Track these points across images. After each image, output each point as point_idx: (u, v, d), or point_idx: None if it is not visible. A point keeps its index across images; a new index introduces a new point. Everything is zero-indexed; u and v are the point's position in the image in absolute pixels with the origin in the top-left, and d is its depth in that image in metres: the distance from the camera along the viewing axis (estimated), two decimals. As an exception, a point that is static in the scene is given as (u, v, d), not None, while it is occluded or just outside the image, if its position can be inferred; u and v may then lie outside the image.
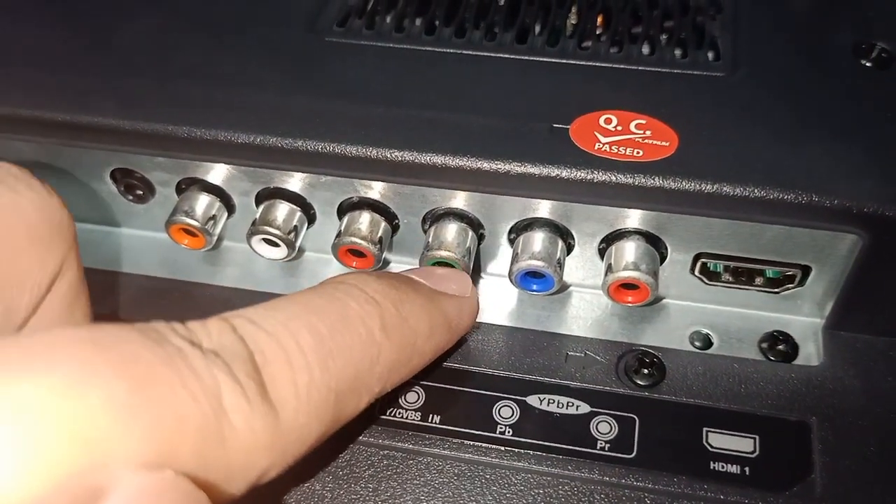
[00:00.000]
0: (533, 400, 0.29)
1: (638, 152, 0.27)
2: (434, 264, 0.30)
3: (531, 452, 0.27)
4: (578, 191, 0.27)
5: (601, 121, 0.28)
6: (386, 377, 0.24)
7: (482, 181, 0.28)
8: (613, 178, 0.27)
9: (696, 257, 0.29)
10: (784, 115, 0.29)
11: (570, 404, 0.28)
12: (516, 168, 0.27)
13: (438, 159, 0.27)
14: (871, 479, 0.26)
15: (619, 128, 0.28)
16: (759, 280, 0.30)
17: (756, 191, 0.26)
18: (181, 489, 0.17)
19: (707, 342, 0.31)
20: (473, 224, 0.30)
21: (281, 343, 0.21)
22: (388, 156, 0.28)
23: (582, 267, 0.31)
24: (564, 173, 0.27)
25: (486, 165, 0.27)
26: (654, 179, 0.26)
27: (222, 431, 0.18)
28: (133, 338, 0.18)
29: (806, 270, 0.29)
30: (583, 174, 0.27)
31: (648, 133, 0.28)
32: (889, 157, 0.27)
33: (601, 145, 0.27)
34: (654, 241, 0.29)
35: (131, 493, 0.16)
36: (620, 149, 0.27)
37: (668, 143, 0.27)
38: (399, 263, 0.33)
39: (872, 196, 0.26)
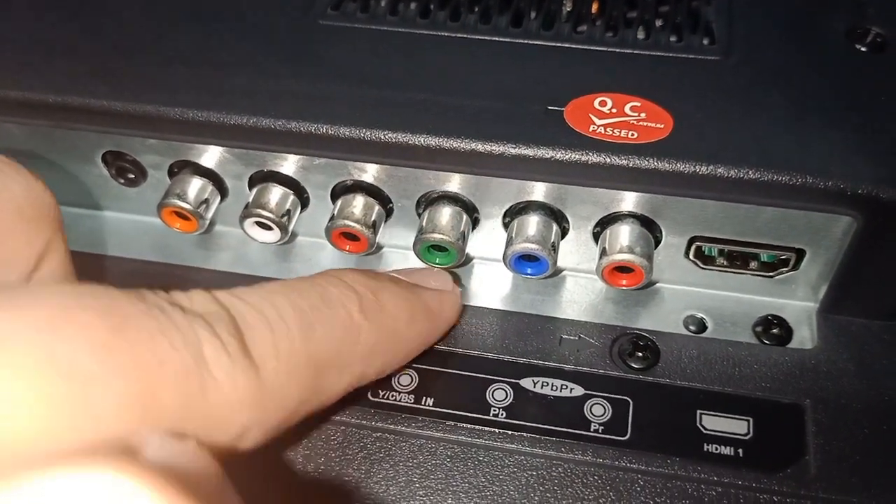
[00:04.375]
0: (527, 383, 0.28)
1: (633, 134, 0.27)
2: (428, 248, 0.30)
3: (525, 435, 0.27)
4: (573, 172, 0.27)
5: (596, 103, 0.28)
6: (368, 359, 0.25)
7: (476, 163, 0.28)
8: (608, 159, 0.26)
9: (691, 241, 0.29)
10: (779, 98, 0.29)
11: (564, 387, 0.28)
12: (510, 150, 0.27)
13: (432, 141, 0.27)
14: (864, 461, 0.26)
15: (614, 110, 0.28)
16: (753, 264, 0.30)
17: (750, 172, 0.26)
18: (201, 459, 0.17)
19: (701, 326, 0.31)
20: (468, 208, 0.30)
21: (263, 312, 0.21)
22: (382, 137, 0.28)
23: (577, 251, 0.31)
24: (559, 155, 0.27)
25: (480, 147, 0.27)
26: (648, 161, 0.26)
27: (203, 381, 0.18)
28: (115, 293, 0.19)
29: (800, 254, 0.29)
30: (577, 156, 0.27)
31: (643, 115, 0.28)
32: (883, 139, 0.27)
33: (596, 127, 0.27)
34: (648, 225, 0.29)
35: (157, 458, 0.16)
36: (615, 131, 0.27)
37: (662, 126, 0.27)
38: (392, 249, 0.33)
39: (866, 178, 0.26)
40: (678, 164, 0.26)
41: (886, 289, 0.28)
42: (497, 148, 0.27)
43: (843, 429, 0.27)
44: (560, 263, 0.31)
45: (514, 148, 0.27)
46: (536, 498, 0.26)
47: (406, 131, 0.28)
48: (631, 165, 0.26)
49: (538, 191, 0.29)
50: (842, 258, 0.28)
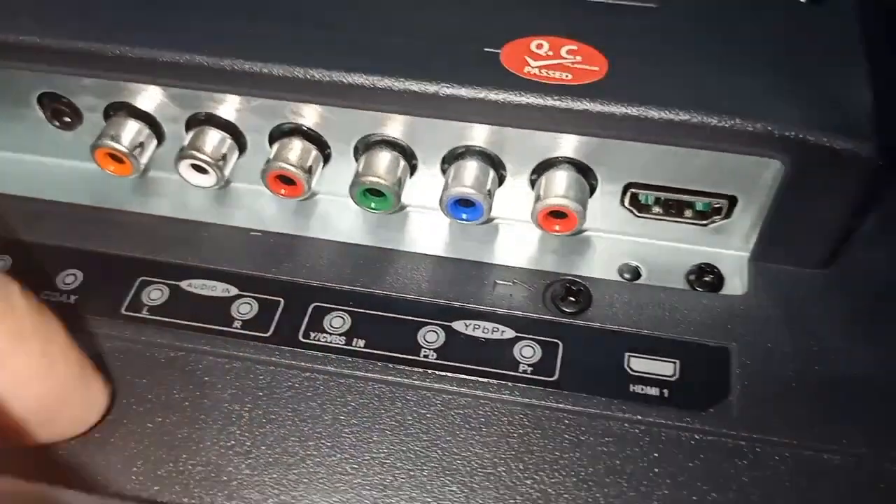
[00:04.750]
0: (459, 325, 0.29)
1: (567, 76, 0.27)
2: (364, 192, 0.30)
3: (454, 375, 0.27)
4: (506, 114, 0.27)
5: (532, 46, 0.28)
6: None
7: (410, 103, 0.27)
8: (541, 100, 0.26)
9: (626, 187, 0.29)
10: (714, 44, 0.29)
11: (496, 329, 0.28)
12: (444, 89, 0.27)
13: (366, 79, 0.27)
14: (785, 403, 0.27)
15: (550, 53, 0.28)
16: (688, 212, 0.30)
17: (681, 114, 0.26)
18: None
19: (636, 274, 0.31)
20: (406, 153, 0.30)
21: None
22: (315, 76, 0.27)
23: (515, 200, 0.31)
24: (491, 95, 0.27)
25: (413, 86, 0.27)
26: (581, 102, 0.26)
27: None
28: None
29: (732, 201, 0.29)
30: (510, 96, 0.26)
31: (579, 58, 0.28)
32: (814, 86, 0.27)
33: (531, 69, 0.27)
34: (583, 171, 0.29)
35: None
36: (550, 72, 0.27)
37: (597, 68, 0.27)
38: (329, 195, 0.32)
39: (795, 122, 0.26)
40: (610, 106, 0.26)
41: (814, 236, 0.29)
42: (430, 87, 0.27)
43: (766, 372, 0.27)
44: (499, 212, 0.31)
45: (448, 88, 0.27)
46: (462, 435, 0.26)
47: (341, 70, 0.27)
48: (563, 106, 0.26)
49: (476, 136, 0.29)
50: (771, 205, 0.28)
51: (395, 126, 0.29)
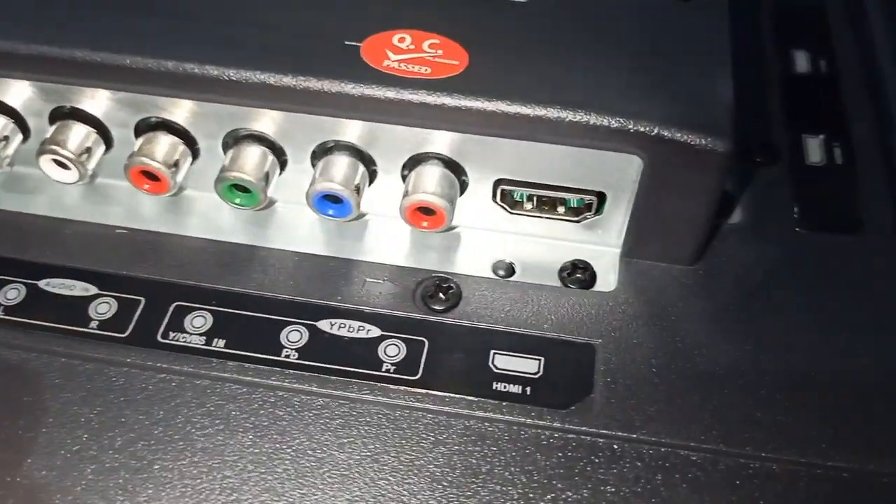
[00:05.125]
0: (324, 324, 0.28)
1: (425, 69, 0.27)
2: (230, 188, 0.29)
3: (314, 375, 0.27)
4: (364, 108, 0.26)
5: (394, 39, 0.28)
6: None
7: (268, 96, 0.27)
8: (396, 94, 0.26)
9: (496, 184, 0.29)
10: (579, 40, 0.29)
11: (361, 328, 0.28)
12: (299, 82, 0.26)
13: (220, 71, 0.26)
14: (647, 400, 0.27)
15: (412, 47, 0.27)
16: (560, 209, 0.30)
17: (536, 109, 0.26)
18: None
19: (510, 271, 0.31)
20: (275, 149, 0.29)
21: None
22: (168, 67, 0.27)
23: (387, 196, 0.30)
24: (347, 88, 0.26)
25: (268, 78, 0.26)
26: (436, 96, 0.26)
27: None
28: None
29: (602, 197, 0.29)
30: (366, 90, 0.26)
31: (440, 52, 0.27)
32: (676, 82, 0.27)
33: (390, 62, 0.27)
34: (453, 167, 0.29)
35: None
36: (408, 66, 0.27)
37: (457, 62, 0.27)
38: (201, 192, 0.31)
39: (651, 117, 0.26)
40: (465, 100, 0.26)
41: (679, 232, 0.29)
42: (285, 80, 0.26)
43: (629, 369, 0.27)
44: (374, 209, 0.31)
45: (304, 80, 0.26)
46: (317, 437, 0.25)
47: (194, 61, 0.27)
48: (418, 100, 0.26)
49: (345, 131, 0.29)
50: (635, 201, 0.28)
51: (263, 121, 0.29)
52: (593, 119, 0.26)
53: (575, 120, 0.26)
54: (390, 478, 0.25)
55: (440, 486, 0.25)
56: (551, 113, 0.26)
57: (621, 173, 0.28)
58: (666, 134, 0.26)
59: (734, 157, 0.26)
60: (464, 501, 0.24)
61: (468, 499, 0.24)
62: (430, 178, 0.28)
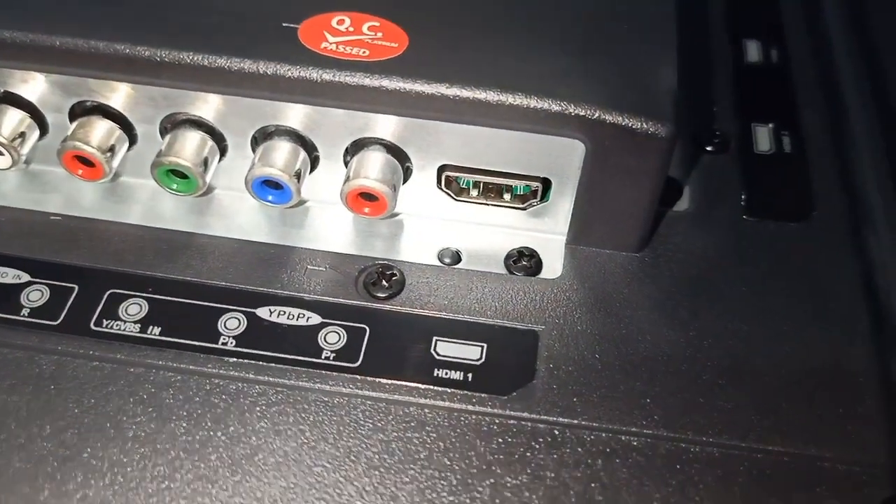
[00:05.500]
0: (263, 312, 0.28)
1: (364, 52, 0.26)
2: (167, 173, 0.29)
3: (251, 362, 0.26)
4: (302, 90, 0.26)
5: (333, 22, 0.27)
6: None
7: (203, 78, 0.26)
8: (333, 76, 0.26)
9: (441, 170, 0.29)
10: (523, 23, 0.28)
11: (301, 316, 0.27)
12: (236, 64, 0.26)
13: (154, 53, 0.26)
14: (589, 386, 0.26)
15: (351, 29, 0.27)
16: (506, 196, 0.30)
17: (477, 92, 0.26)
18: None
19: (456, 258, 0.30)
20: (214, 134, 0.29)
21: None
22: (98, 48, 0.26)
23: (330, 183, 0.30)
24: (282, 70, 0.26)
25: (203, 60, 0.26)
26: (374, 79, 0.26)
27: None
28: None
29: (547, 184, 0.29)
30: (301, 72, 0.26)
31: (380, 35, 0.27)
32: (619, 66, 0.27)
33: (328, 45, 0.26)
34: (395, 153, 0.28)
35: None
36: (347, 48, 0.26)
37: (396, 45, 0.27)
38: (134, 178, 0.31)
39: (592, 101, 0.26)
40: (404, 83, 0.26)
41: (622, 218, 0.28)
42: (218, 61, 0.26)
43: (572, 355, 0.27)
44: (316, 196, 0.30)
45: (238, 62, 0.26)
46: (252, 425, 0.25)
47: (130, 43, 0.26)
48: (355, 83, 0.25)
49: (285, 116, 0.28)
50: (578, 187, 0.28)
51: (201, 105, 0.28)
52: (534, 102, 0.25)
53: (515, 103, 0.25)
54: (327, 464, 0.24)
55: (377, 473, 0.24)
56: (491, 96, 0.25)
57: (565, 159, 0.28)
58: (607, 118, 0.26)
59: (677, 142, 0.26)
60: (401, 487, 0.24)
61: (405, 485, 0.24)
62: (372, 163, 0.28)
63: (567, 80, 0.26)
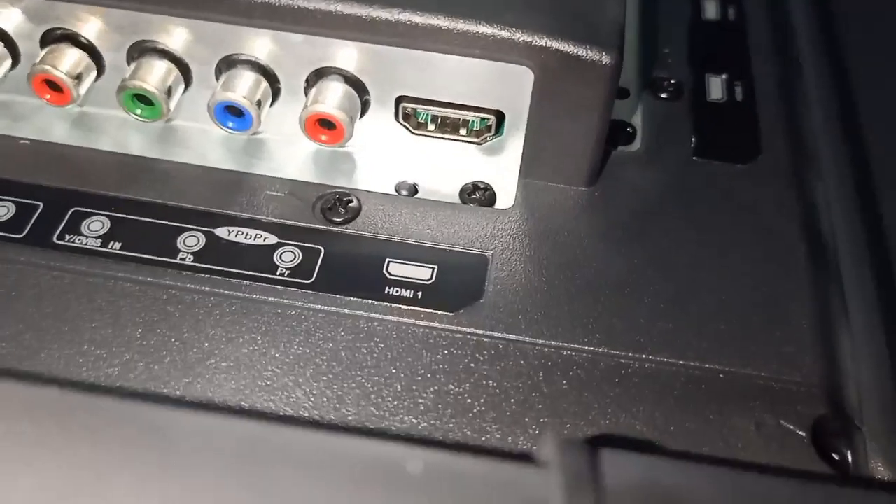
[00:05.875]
0: (221, 231, 0.28)
1: (322, -21, 0.27)
2: (132, 97, 0.30)
3: (207, 276, 0.27)
4: (261, 13, 0.27)
5: (295, -48, 0.28)
6: None
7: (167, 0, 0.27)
8: (292, 1, 0.27)
9: (398, 101, 0.30)
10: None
11: (259, 236, 0.28)
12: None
13: (119, -25, 0.27)
14: (535, 306, 0.27)
15: (312, -41, 0.28)
16: (462, 131, 0.31)
17: (428, 18, 0.27)
18: None
19: (412, 191, 0.31)
20: (179, 64, 0.30)
21: None
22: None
23: (292, 117, 0.31)
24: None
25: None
26: (329, 3, 0.27)
27: None
28: None
29: (500, 116, 0.30)
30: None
31: (339, -35, 0.28)
32: None
33: (288, -28, 0.27)
34: (354, 83, 0.29)
35: None
36: (306, -25, 0.27)
37: (355, -26, 0.28)
38: (102, 108, 0.32)
39: (539, 28, 0.27)
40: (359, 9, 0.27)
41: (571, 151, 0.29)
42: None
43: (520, 278, 0.28)
44: (278, 130, 0.31)
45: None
46: (206, 331, 0.26)
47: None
48: (313, 6, 0.27)
49: (249, 46, 0.29)
50: (528, 118, 0.29)
51: (167, 33, 0.29)
52: (483, 28, 0.27)
53: (465, 29, 0.27)
54: (276, 370, 0.25)
55: (325, 378, 0.25)
56: (443, 21, 0.27)
57: (516, 89, 0.29)
58: (553, 45, 0.27)
59: (620, 69, 0.27)
60: (348, 392, 0.25)
61: (352, 389, 0.25)
62: (331, 91, 0.29)
63: (517, 9, 0.27)
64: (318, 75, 0.29)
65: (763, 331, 0.27)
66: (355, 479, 0.17)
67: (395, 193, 0.31)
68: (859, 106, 0.36)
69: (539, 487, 0.16)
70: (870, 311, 0.29)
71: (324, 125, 0.29)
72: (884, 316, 0.29)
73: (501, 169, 0.31)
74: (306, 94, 0.30)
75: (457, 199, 0.31)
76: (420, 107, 0.30)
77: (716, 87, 0.35)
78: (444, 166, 0.32)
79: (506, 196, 0.31)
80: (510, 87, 0.29)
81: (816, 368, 0.27)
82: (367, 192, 0.30)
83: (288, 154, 0.32)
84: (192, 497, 0.17)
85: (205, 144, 0.31)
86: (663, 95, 0.35)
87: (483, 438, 0.25)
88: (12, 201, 0.29)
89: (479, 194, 0.31)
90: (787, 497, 0.18)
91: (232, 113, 0.29)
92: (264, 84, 0.29)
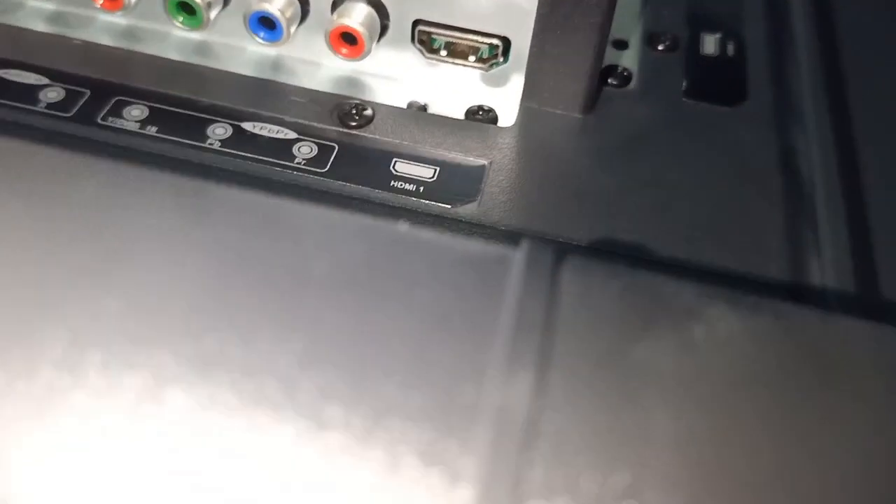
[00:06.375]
0: (247, 125, 0.31)
1: None
2: (177, 5, 0.33)
3: (230, 159, 0.30)
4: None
5: None
6: None
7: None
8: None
9: (414, 24, 0.33)
10: None
11: (280, 131, 0.31)
12: None
13: None
14: (524, 208, 0.30)
15: None
16: (472, 58, 0.34)
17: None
18: None
19: (423, 110, 0.34)
20: (222, -22, 0.33)
21: None
22: None
23: (317, 39, 0.34)
24: None
25: None
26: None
27: None
28: None
29: (507, 43, 0.33)
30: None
31: None
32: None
33: None
34: (375, 5, 0.33)
35: None
36: None
37: None
38: (148, 22, 0.35)
39: (544, -44, 0.30)
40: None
41: (569, 75, 0.32)
42: None
43: (513, 185, 0.31)
44: (304, 50, 0.35)
45: None
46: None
47: None
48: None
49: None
50: (531, 44, 0.32)
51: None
52: (493, -50, 0.30)
53: (476, -51, 0.30)
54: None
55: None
56: (457, -57, 0.30)
57: (522, 15, 0.32)
58: (557, -30, 0.30)
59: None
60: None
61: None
62: (356, 10, 0.32)
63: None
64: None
65: (734, 242, 0.30)
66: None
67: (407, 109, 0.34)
68: (844, 71, 0.38)
69: (505, 270, 0.19)
70: (840, 249, 0.31)
71: (346, 39, 0.32)
72: (853, 258, 0.31)
73: (505, 94, 0.34)
74: (332, 12, 0.33)
75: (462, 117, 0.34)
76: (434, 30, 0.33)
77: (709, 43, 0.38)
78: (453, 90, 0.35)
79: (507, 118, 0.34)
80: (516, 11, 0.32)
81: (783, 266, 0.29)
82: (383, 104, 0.33)
83: (311, 72, 0.35)
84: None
85: (238, 59, 0.35)
86: (660, 48, 0.38)
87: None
88: (63, 87, 0.32)
89: (482, 114, 0.34)
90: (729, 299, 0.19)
91: (265, 25, 0.33)
92: (297, 3, 0.33)
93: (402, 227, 0.20)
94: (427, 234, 0.20)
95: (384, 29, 0.33)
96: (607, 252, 0.27)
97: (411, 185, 0.30)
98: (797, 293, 0.29)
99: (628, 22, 0.39)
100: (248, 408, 0.15)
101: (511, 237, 0.25)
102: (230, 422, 0.16)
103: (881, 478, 0.15)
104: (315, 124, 0.32)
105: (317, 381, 0.16)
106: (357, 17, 0.32)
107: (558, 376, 0.16)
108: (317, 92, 0.33)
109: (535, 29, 0.31)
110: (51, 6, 0.35)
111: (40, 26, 0.35)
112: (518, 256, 0.19)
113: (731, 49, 0.38)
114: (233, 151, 0.30)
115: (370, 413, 0.15)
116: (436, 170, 0.31)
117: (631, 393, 0.15)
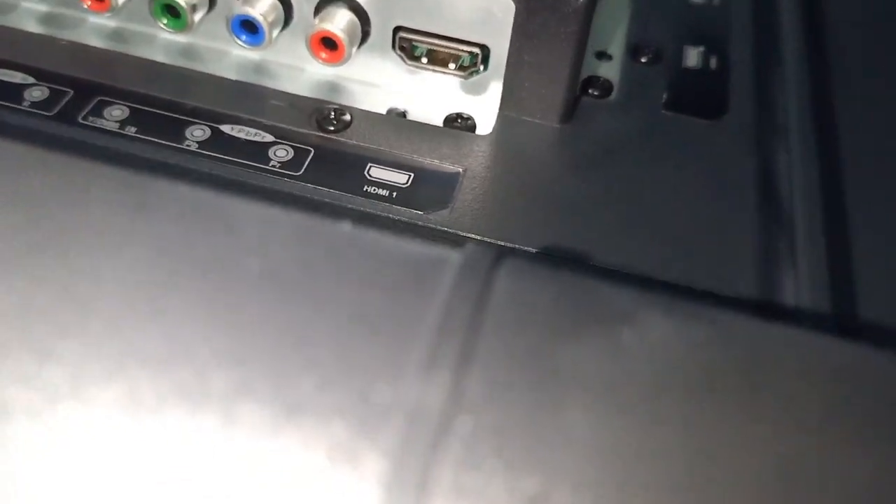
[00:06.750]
0: (225, 127, 0.32)
1: (335, -89, 0.31)
2: (162, 7, 0.33)
3: (206, 161, 0.30)
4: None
5: None
6: None
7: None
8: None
9: (395, 31, 0.33)
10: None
11: (257, 134, 0.32)
12: None
13: None
14: (495, 214, 0.30)
15: None
16: (452, 65, 0.34)
17: (424, -52, 0.30)
18: None
19: (402, 116, 0.34)
20: (207, -18, 0.34)
21: None
22: None
23: (298, 44, 0.34)
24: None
25: None
26: (339, -71, 0.30)
27: None
28: None
29: (486, 51, 0.33)
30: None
31: None
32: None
33: None
34: (358, 12, 0.33)
35: None
36: None
37: None
38: (135, 25, 0.35)
39: (520, -35, 0.30)
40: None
41: (547, 84, 0.33)
42: None
43: (487, 192, 0.31)
44: (287, 58, 0.35)
45: None
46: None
47: None
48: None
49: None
50: (509, 52, 0.32)
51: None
52: (470, -40, 0.30)
53: (454, -40, 0.30)
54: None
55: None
56: (435, -48, 0.30)
57: (500, 23, 0.32)
58: (533, -21, 0.30)
59: (594, 5, 0.30)
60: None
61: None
62: (338, 16, 0.33)
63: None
64: (328, 2, 0.33)
65: (703, 255, 0.30)
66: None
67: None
68: (831, 88, 0.38)
69: (441, 271, 0.19)
70: (817, 266, 0.31)
71: (326, 44, 0.33)
72: (830, 275, 0.31)
73: (485, 102, 0.35)
74: (315, 17, 0.34)
75: (440, 124, 0.34)
76: (415, 37, 0.33)
77: (692, 57, 0.38)
78: (433, 97, 0.35)
79: (486, 126, 0.34)
80: (494, 19, 0.32)
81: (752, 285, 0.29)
82: (362, 110, 0.34)
83: (293, 76, 0.35)
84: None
85: (221, 62, 0.35)
86: (643, 59, 0.38)
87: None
88: (48, 87, 0.32)
89: (461, 122, 0.34)
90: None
91: (247, 28, 0.33)
92: (280, 8, 0.33)
93: (345, 226, 0.20)
94: (370, 235, 0.20)
95: (365, 35, 0.34)
96: (550, 256, 0.27)
97: (385, 191, 0.31)
98: (767, 309, 0.29)
99: (613, 34, 0.39)
100: (162, 402, 0.16)
101: (457, 240, 0.25)
102: (142, 417, 0.16)
103: (797, 487, 0.15)
104: (293, 128, 0.32)
105: (232, 377, 0.16)
106: (338, 22, 0.32)
107: (477, 378, 0.16)
108: (297, 96, 0.34)
109: (512, 37, 0.32)
110: (42, 7, 0.36)
111: (31, 27, 0.36)
112: (456, 258, 0.19)
113: (713, 62, 0.38)
114: (209, 153, 0.31)
115: (282, 410, 0.15)
116: (410, 176, 0.31)
117: (551, 396, 0.16)
